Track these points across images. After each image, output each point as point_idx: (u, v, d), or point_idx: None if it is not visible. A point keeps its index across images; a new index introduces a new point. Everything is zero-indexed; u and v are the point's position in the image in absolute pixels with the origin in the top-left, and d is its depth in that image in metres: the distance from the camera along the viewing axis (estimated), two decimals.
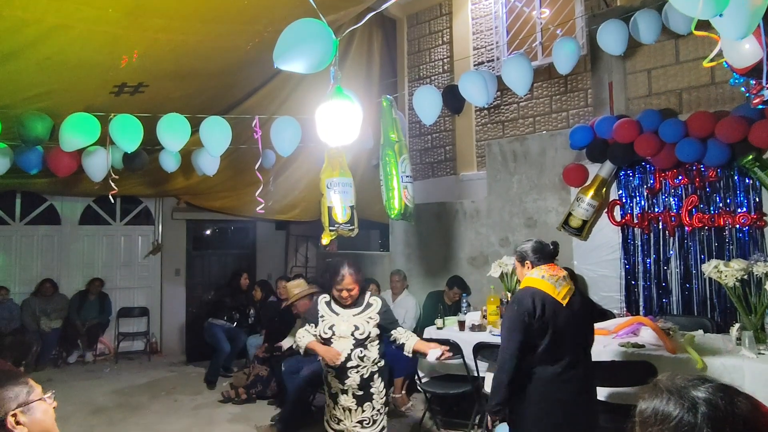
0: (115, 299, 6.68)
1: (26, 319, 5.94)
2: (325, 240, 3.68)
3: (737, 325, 3.07)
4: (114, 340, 6.51)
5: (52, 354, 6.12)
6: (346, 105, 1.91)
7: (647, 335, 3.26)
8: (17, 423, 1.28)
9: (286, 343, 4.45)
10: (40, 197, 6.52)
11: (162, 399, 4.87)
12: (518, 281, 2.58)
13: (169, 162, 4.08)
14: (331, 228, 3.53)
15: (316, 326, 2.67)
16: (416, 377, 3.93)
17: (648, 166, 4.15)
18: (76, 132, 3.23)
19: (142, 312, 6.76)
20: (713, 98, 4.04)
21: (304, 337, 2.65)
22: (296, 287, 4.24)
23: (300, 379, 3.90)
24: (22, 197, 6.46)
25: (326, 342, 2.59)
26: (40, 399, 1.35)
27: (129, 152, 3.50)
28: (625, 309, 4.18)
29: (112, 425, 4.21)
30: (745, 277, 3.09)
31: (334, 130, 1.93)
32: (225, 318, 5.55)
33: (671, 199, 4.07)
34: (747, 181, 3.76)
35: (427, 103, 3.21)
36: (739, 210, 3.77)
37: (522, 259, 2.49)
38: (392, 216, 3.41)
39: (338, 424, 2.63)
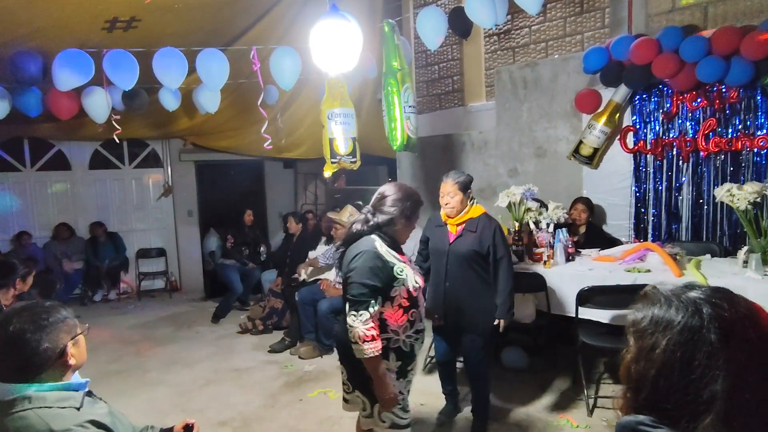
0: (132, 241, 6.88)
1: (50, 261, 6.18)
2: (328, 172, 3.66)
3: (745, 248, 3.06)
4: (135, 280, 6.78)
5: (78, 293, 6.43)
6: (344, 26, 1.80)
7: (654, 260, 3.28)
8: (71, 354, 1.37)
9: (304, 273, 4.64)
10: (48, 143, 6.54)
11: (184, 331, 5.15)
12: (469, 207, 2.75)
13: (169, 100, 4.00)
14: (333, 160, 3.49)
15: (390, 293, 1.89)
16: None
17: (665, 88, 3.96)
18: (69, 69, 3.15)
19: (160, 252, 6.97)
20: (741, 12, 3.75)
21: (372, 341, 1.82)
22: (353, 215, 4.29)
23: (322, 310, 4.09)
24: (30, 143, 6.49)
25: (415, 302, 1.98)
26: (82, 332, 1.44)
27: (126, 89, 3.42)
28: (633, 237, 4.18)
29: (139, 355, 4.50)
30: (758, 200, 3.03)
31: (331, 54, 1.83)
32: (236, 258, 5.67)
33: (687, 124, 3.92)
34: None
35: (431, 26, 3.02)
36: (759, 132, 3.63)
37: (466, 189, 2.70)
38: (395, 147, 3.35)
39: (407, 411, 2.02)
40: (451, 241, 2.72)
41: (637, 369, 0.78)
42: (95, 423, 1.34)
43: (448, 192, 2.67)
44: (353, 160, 3.55)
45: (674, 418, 0.71)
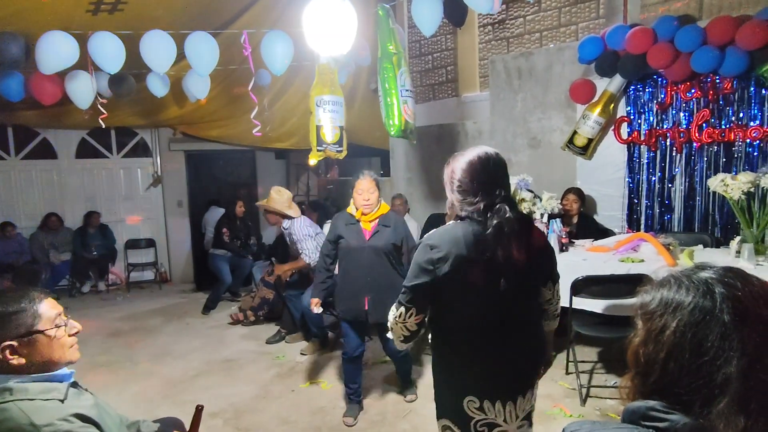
0: (120, 231, 6.77)
1: (36, 252, 6.06)
2: (313, 160, 3.59)
3: (738, 238, 3.07)
4: (124, 271, 6.68)
5: (65, 285, 6.31)
6: (338, 5, 1.75)
7: (647, 250, 3.28)
8: (14, 354, 1.25)
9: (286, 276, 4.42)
10: (33, 131, 6.39)
11: (174, 323, 5.08)
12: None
13: (158, 86, 3.90)
14: (319, 148, 3.42)
15: None
16: None
17: (660, 79, 3.95)
18: (53, 51, 3.04)
19: (149, 243, 6.87)
20: (737, 2, 3.74)
21: None
22: (282, 196, 3.89)
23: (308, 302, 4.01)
24: (14, 131, 6.33)
25: None
26: (46, 329, 1.30)
27: (112, 73, 3.32)
28: (626, 227, 4.19)
29: (128, 346, 4.42)
30: (751, 190, 3.05)
31: (325, 34, 1.77)
32: (226, 248, 5.59)
33: (681, 114, 3.93)
34: (763, 92, 3.59)
35: (427, 11, 2.96)
36: (751, 123, 3.64)
37: (379, 186, 2.86)
38: (392, 133, 3.29)
39: None
40: (368, 238, 2.81)
41: (645, 352, 0.75)
42: (80, 416, 1.27)
43: (368, 188, 2.76)
44: (339, 149, 3.49)
45: (686, 403, 0.68)
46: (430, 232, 1.58)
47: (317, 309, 3.00)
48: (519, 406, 1.56)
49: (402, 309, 1.56)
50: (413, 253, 2.80)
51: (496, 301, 1.50)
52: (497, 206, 1.46)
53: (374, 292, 2.79)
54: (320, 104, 3.39)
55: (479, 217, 1.47)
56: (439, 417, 1.63)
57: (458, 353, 1.56)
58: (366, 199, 2.76)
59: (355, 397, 3.03)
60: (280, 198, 3.85)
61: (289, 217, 3.86)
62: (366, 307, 2.82)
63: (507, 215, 1.44)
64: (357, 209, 2.83)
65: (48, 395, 1.25)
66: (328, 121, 3.40)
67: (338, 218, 2.96)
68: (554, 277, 1.70)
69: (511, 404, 1.55)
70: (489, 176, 1.49)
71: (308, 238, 3.79)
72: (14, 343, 1.25)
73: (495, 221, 1.44)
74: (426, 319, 1.59)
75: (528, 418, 1.61)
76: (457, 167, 1.54)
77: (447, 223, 1.59)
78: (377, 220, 2.83)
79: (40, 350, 1.29)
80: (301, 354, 4.04)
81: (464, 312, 1.53)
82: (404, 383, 3.22)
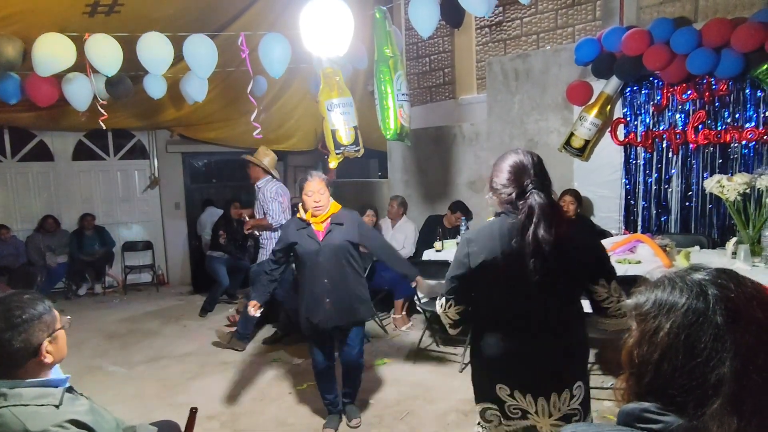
0: (117, 233, 6.75)
1: (32, 255, 6.03)
2: (333, 163, 3.60)
3: (734, 239, 3.08)
4: (121, 273, 6.66)
5: (62, 287, 6.28)
6: (335, 7, 1.75)
7: (644, 252, 3.29)
8: (47, 352, 1.31)
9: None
10: (29, 133, 6.37)
11: (171, 325, 5.07)
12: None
13: (155, 87, 3.89)
14: (337, 151, 3.42)
15: None
16: (415, 298, 4.04)
17: (656, 81, 3.97)
18: (50, 53, 3.04)
19: (146, 245, 6.85)
20: (732, 4, 3.76)
21: None
22: (269, 155, 4.10)
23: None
24: (11, 133, 6.31)
25: None
26: (62, 327, 1.37)
27: (109, 75, 3.32)
28: (623, 228, 4.20)
29: (125, 348, 4.41)
30: (747, 191, 3.06)
31: (323, 36, 1.78)
32: (223, 250, 5.56)
33: (677, 116, 3.94)
34: (759, 94, 3.60)
35: (424, 13, 2.97)
36: (747, 125, 3.66)
37: (328, 186, 2.75)
38: (388, 137, 3.29)
39: None
40: (321, 239, 2.69)
41: (639, 353, 0.75)
42: (75, 422, 1.27)
43: (318, 189, 2.64)
44: (357, 148, 3.51)
45: (680, 404, 0.68)
46: (472, 228, 1.68)
47: (257, 312, 2.78)
48: (553, 403, 1.55)
49: (443, 299, 1.67)
50: (378, 241, 2.86)
51: (525, 294, 1.53)
52: (528, 192, 1.52)
53: (334, 295, 2.68)
54: (331, 108, 3.39)
55: (513, 207, 1.54)
56: (477, 401, 1.70)
57: (488, 343, 1.62)
58: (316, 201, 2.63)
59: (333, 408, 2.93)
60: (267, 155, 4.13)
61: (271, 175, 4.11)
62: (327, 312, 2.69)
63: (537, 199, 1.50)
64: (306, 212, 2.70)
65: (43, 401, 1.25)
66: (341, 124, 3.40)
67: (288, 225, 2.83)
68: (606, 273, 1.61)
69: (543, 400, 1.55)
70: (518, 167, 1.56)
71: (274, 202, 3.99)
72: (47, 342, 1.30)
73: (525, 205, 1.50)
74: (469, 309, 1.67)
75: (566, 419, 1.57)
76: (494, 170, 1.63)
77: (487, 220, 1.72)
78: (329, 219, 2.72)
79: (60, 346, 1.35)
80: (263, 343, 4.06)
81: (494, 303, 1.60)
82: (350, 400, 3.00)
